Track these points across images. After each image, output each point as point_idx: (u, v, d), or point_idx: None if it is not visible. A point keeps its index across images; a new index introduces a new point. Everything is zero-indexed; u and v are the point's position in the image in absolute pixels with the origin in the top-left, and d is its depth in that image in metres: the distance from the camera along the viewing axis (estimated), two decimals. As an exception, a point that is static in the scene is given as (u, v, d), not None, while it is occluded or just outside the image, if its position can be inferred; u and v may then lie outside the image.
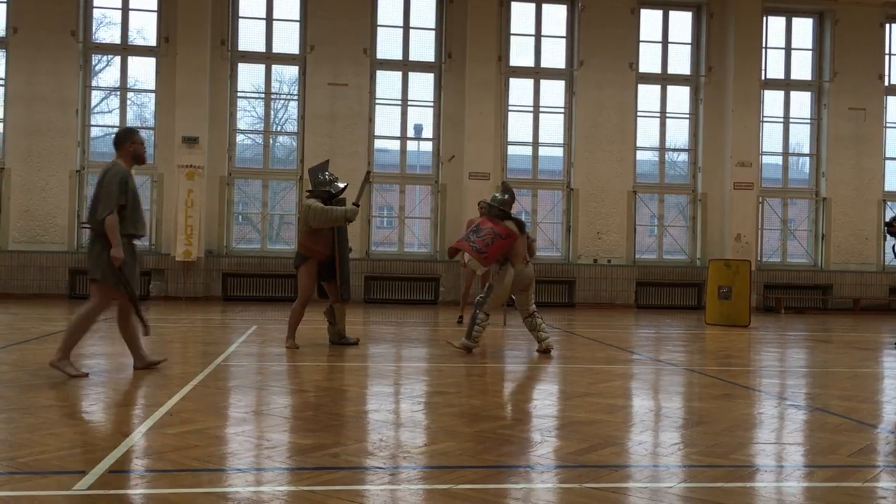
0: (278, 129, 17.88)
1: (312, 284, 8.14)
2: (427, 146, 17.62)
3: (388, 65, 17.13)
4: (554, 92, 17.60)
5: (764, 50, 17.79)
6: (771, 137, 18.17)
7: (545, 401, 5.73)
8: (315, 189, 8.23)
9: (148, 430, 4.29)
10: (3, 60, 16.13)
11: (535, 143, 17.51)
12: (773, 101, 18.14)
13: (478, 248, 7.94)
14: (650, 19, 17.79)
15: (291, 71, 17.16)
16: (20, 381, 5.81)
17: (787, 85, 18.18)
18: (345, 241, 8.24)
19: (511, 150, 17.54)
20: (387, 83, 17.21)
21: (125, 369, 6.74)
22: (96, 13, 16.57)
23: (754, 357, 9.05)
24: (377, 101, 17.11)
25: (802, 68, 18.26)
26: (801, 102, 18.33)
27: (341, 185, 8.36)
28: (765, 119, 17.92)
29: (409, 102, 17.23)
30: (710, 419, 4.95)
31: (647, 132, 17.94)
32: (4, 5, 15.99)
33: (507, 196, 8.28)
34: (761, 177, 17.84)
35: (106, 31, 16.86)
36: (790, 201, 18.40)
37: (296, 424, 4.59)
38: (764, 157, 18.03)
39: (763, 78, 17.73)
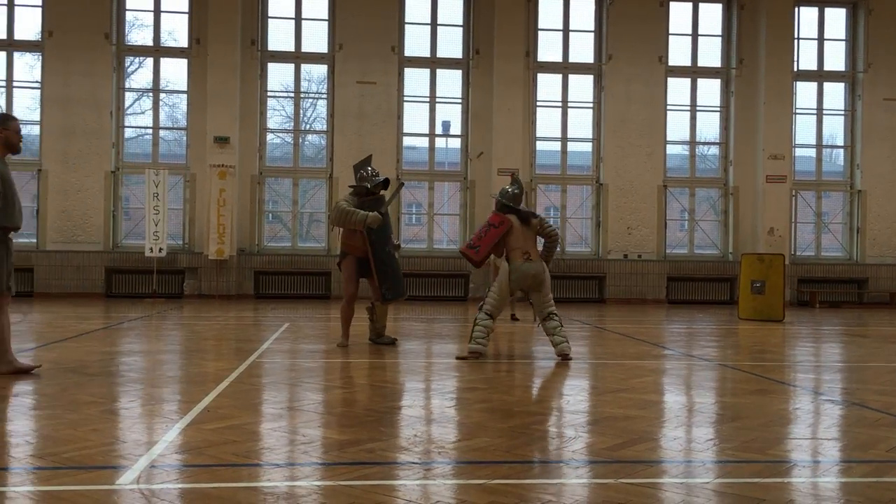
0: (307, 127, 18.01)
1: (352, 280, 8.05)
2: (455, 143, 17.64)
3: (416, 62, 17.17)
4: (582, 87, 17.52)
5: (796, 41, 17.55)
6: (804, 130, 17.93)
7: (577, 396, 5.73)
8: (357, 185, 8.10)
9: (186, 425, 4.36)
10: (39, 64, 16.42)
11: (564, 139, 17.45)
12: (805, 93, 17.90)
13: (471, 243, 7.55)
14: (679, 12, 17.64)
15: (320, 69, 17.27)
16: (61, 378, 5.93)
17: (820, 76, 17.93)
18: (380, 239, 7.93)
19: (539, 145, 17.50)
20: (415, 80, 17.25)
21: (161, 366, 6.85)
22: (129, 16, 16.80)
23: (789, 352, 8.97)
24: (405, 99, 17.16)
25: (836, 59, 18.00)
26: (835, 94, 18.07)
27: (380, 180, 8.09)
28: (797, 111, 17.69)
29: (438, 99, 17.26)
30: (745, 415, 4.92)
31: (677, 126, 17.79)
32: (39, 10, 16.26)
33: (514, 189, 7.63)
34: (794, 169, 17.63)
35: (138, 34, 17.10)
36: (824, 194, 18.15)
37: (330, 420, 4.64)
38: (797, 149, 17.81)
39: (795, 69, 17.51)
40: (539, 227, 7.45)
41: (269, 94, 17.04)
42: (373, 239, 7.86)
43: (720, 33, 17.75)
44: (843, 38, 17.99)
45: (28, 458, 3.68)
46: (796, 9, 17.50)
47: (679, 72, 17.63)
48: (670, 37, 17.56)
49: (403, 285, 8.33)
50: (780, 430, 4.58)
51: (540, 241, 7.60)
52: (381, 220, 7.78)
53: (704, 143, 18.44)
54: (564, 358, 7.23)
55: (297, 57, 17.04)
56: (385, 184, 8.15)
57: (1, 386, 5.69)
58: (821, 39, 17.94)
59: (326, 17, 16.90)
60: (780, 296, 12.56)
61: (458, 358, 7.34)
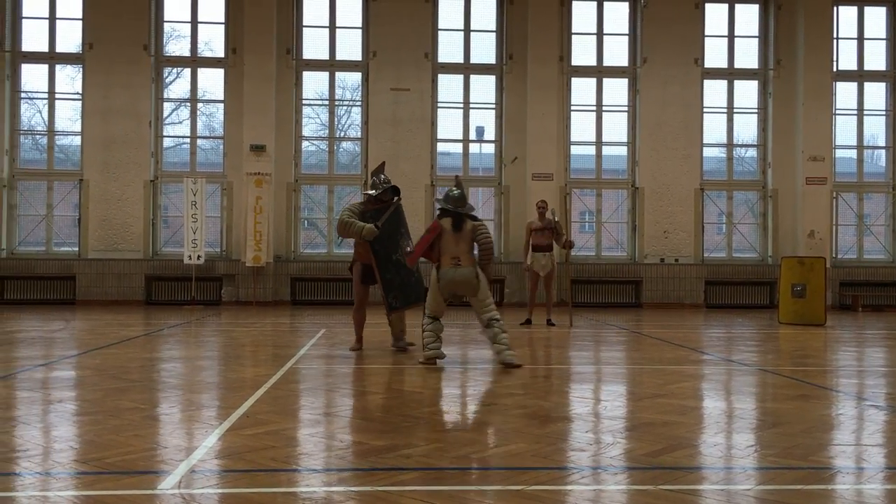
0: (342, 134, 18.14)
1: (359, 286, 8.18)
2: (489, 148, 17.64)
3: (450, 68, 17.21)
4: (617, 90, 17.42)
5: (835, 41, 17.28)
6: (844, 130, 17.63)
7: (615, 402, 5.69)
8: (374, 193, 8.13)
9: (225, 431, 4.41)
10: (80, 76, 16.75)
11: (599, 143, 17.36)
12: (845, 94, 17.60)
13: (411, 248, 7.48)
14: (715, 13, 17.47)
15: (354, 77, 17.39)
16: (103, 384, 6.03)
17: (860, 76, 17.62)
18: (384, 248, 7.92)
19: (574, 150, 17.42)
20: (448, 86, 17.29)
21: (201, 372, 6.94)
22: (167, 27, 17.08)
23: (831, 357, 8.81)
24: (439, 105, 17.21)
25: (876, 58, 17.67)
26: (876, 94, 17.74)
27: (386, 187, 8.06)
28: (837, 112, 17.40)
29: (471, 105, 17.28)
30: (786, 420, 4.84)
31: (713, 128, 17.60)
32: (80, 23, 16.60)
33: (456, 192, 7.39)
34: (835, 171, 17.34)
35: (176, 44, 17.37)
36: (866, 196, 17.82)
37: (367, 426, 4.66)
38: (837, 150, 17.51)
39: (835, 70, 17.23)
40: (473, 234, 7.28)
41: (304, 102, 17.20)
42: (376, 248, 7.87)
43: (757, 34, 17.54)
44: (884, 37, 17.66)
45: (72, 463, 3.74)
46: (835, 8, 17.23)
47: (715, 74, 17.45)
48: (706, 38, 17.39)
49: (418, 292, 8.14)
50: (823, 436, 4.50)
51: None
52: (375, 232, 7.74)
53: (742, 146, 18.22)
54: (508, 366, 7.01)
55: (332, 65, 17.18)
56: (394, 191, 8.15)
57: (45, 392, 5.81)
58: (860, 39, 17.63)
59: (360, 26, 17.02)
60: (821, 299, 12.35)
61: (420, 363, 7.34)
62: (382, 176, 8.19)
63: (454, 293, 7.35)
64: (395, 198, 8.18)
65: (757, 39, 17.54)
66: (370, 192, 8.13)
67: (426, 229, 7.54)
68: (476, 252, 7.38)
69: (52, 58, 16.78)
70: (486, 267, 7.37)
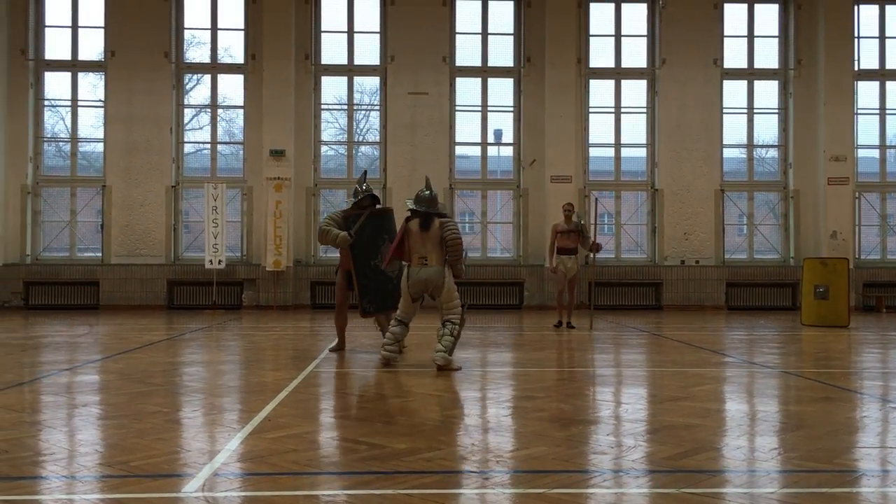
0: (361, 139, 18.20)
1: (340, 290, 8.48)
2: (508, 151, 17.63)
3: (468, 71, 17.22)
4: (635, 92, 17.36)
5: (856, 40, 17.12)
6: (866, 130, 17.45)
7: (636, 405, 5.67)
8: (354, 200, 8.56)
9: (247, 435, 4.44)
10: (103, 83, 16.93)
11: (618, 145, 17.30)
12: (867, 93, 17.43)
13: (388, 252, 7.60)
14: (734, 13, 17.36)
15: (373, 82, 17.45)
16: (127, 388, 6.09)
17: (882, 75, 17.44)
18: (363, 254, 8.15)
19: (593, 151, 17.37)
20: (466, 90, 17.30)
21: (222, 376, 6.99)
22: (187, 34, 17.22)
23: (855, 358, 8.72)
24: (457, 108, 17.22)
25: (899, 57, 17.49)
26: (899, 92, 17.55)
27: (364, 195, 8.40)
28: (859, 111, 17.24)
29: (489, 108, 17.28)
30: (810, 423, 4.81)
31: (733, 129, 17.48)
32: (102, 31, 16.78)
33: (426, 192, 7.43)
34: (857, 171, 17.17)
35: (196, 51, 17.51)
36: (889, 195, 17.63)
37: (389, 429, 4.67)
38: (859, 150, 17.34)
39: (856, 69, 17.07)
40: (440, 233, 7.25)
41: (322, 107, 17.27)
42: (355, 253, 8.15)
43: (777, 34, 17.41)
44: (907, 34, 17.48)
45: (97, 467, 3.79)
46: (855, 7, 17.07)
47: (735, 74, 17.34)
48: (725, 39, 17.29)
49: (395, 298, 8.06)
50: (848, 438, 4.46)
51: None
52: (349, 239, 8.01)
53: (762, 146, 18.09)
54: (438, 368, 7.04)
55: (350, 70, 17.25)
56: (373, 199, 8.45)
57: (70, 396, 5.87)
58: (882, 37, 17.45)
59: (378, 30, 17.08)
60: (844, 301, 12.24)
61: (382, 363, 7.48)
62: (364, 185, 8.54)
63: (422, 292, 7.37)
64: (376, 205, 8.47)
65: (777, 39, 17.41)
66: (353, 198, 8.57)
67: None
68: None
69: (74, 66, 16.98)
70: (454, 264, 7.35)
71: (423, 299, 7.56)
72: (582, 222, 11.58)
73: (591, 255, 12.08)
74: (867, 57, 17.38)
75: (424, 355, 8.25)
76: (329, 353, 8.49)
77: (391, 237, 8.19)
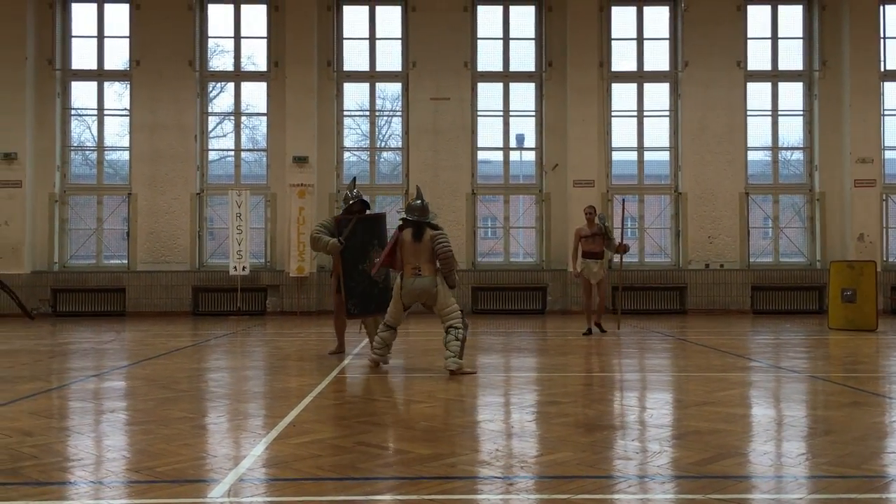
0: (383, 145, 18.26)
1: (336, 295, 8.67)
2: (530, 156, 17.61)
3: (489, 76, 17.23)
4: (658, 95, 17.27)
5: (882, 40, 16.93)
6: (893, 131, 17.23)
7: (661, 410, 5.63)
8: (344, 206, 8.76)
9: (272, 440, 4.46)
10: (128, 92, 17.13)
11: (640, 148, 17.22)
12: (894, 93, 17.21)
13: (380, 259, 7.68)
14: (758, 15, 17.23)
15: (395, 87, 17.51)
16: (153, 394, 6.15)
17: (910, 75, 17.23)
18: (352, 258, 8.35)
19: (615, 155, 17.30)
20: (488, 95, 17.31)
21: (247, 382, 7.03)
22: (211, 43, 17.39)
23: (883, 362, 8.60)
24: (479, 113, 17.23)
25: (926, 57, 17.26)
26: (926, 93, 17.31)
27: (354, 200, 8.63)
28: (886, 112, 17.03)
29: (511, 113, 17.27)
30: (838, 428, 4.75)
31: (757, 131, 17.35)
32: (127, 40, 16.98)
33: (417, 202, 7.52)
34: (884, 173, 16.95)
35: (220, 59, 17.67)
36: (917, 197, 17.39)
37: (412, 434, 4.67)
38: (886, 151, 17.12)
39: (882, 69, 16.88)
40: (431, 244, 7.30)
41: (345, 113, 17.36)
42: (345, 256, 8.38)
43: (801, 35, 17.25)
44: (934, 34, 17.25)
45: (124, 472, 3.82)
46: (881, 7, 16.88)
47: (759, 76, 17.20)
48: (749, 41, 17.16)
49: (379, 302, 8.25)
50: (876, 444, 4.40)
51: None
52: (339, 246, 8.23)
53: (788, 149, 17.92)
54: (451, 373, 7.05)
55: (372, 76, 17.33)
56: (363, 204, 8.68)
57: (98, 403, 5.94)
58: (909, 37, 17.24)
59: (400, 36, 17.14)
60: (872, 304, 12.08)
61: (367, 363, 7.71)
62: (355, 191, 8.77)
63: (415, 302, 7.47)
64: (366, 210, 8.72)
65: (801, 40, 17.25)
66: (343, 203, 8.83)
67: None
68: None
69: (100, 75, 17.19)
70: (447, 276, 7.36)
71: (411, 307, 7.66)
72: (606, 224, 11.41)
73: (619, 258, 11.95)
74: (893, 57, 17.17)
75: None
76: (329, 355, 8.72)
77: (381, 242, 8.37)
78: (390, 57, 17.25)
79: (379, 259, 7.69)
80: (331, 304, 16.19)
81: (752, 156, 17.34)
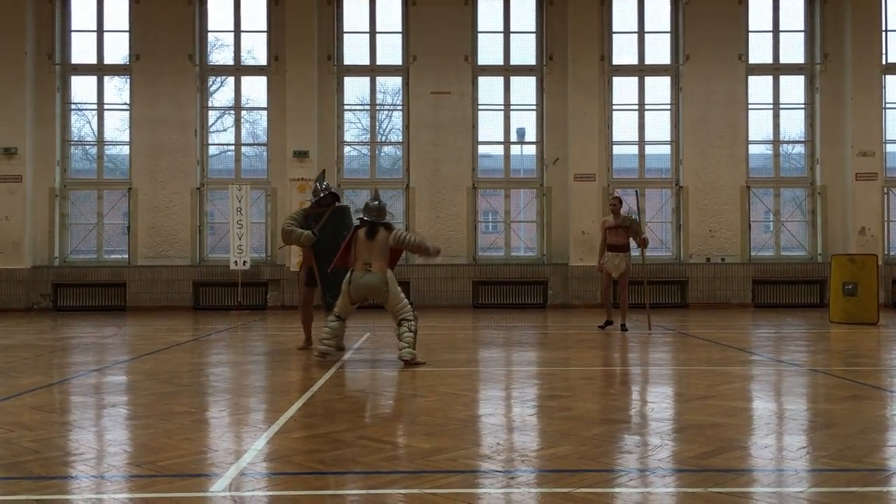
0: (383, 139, 18.24)
1: (304, 287, 8.83)
2: (530, 150, 17.59)
3: (490, 70, 17.20)
4: (659, 88, 17.24)
5: (884, 33, 16.88)
6: (895, 125, 17.19)
7: (662, 404, 5.63)
8: (314, 199, 8.76)
9: (273, 435, 4.46)
10: (128, 86, 17.11)
11: (641, 142, 17.19)
12: (895, 87, 17.16)
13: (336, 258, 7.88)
14: (759, 8, 17.19)
15: (395, 82, 17.48)
16: (154, 388, 6.15)
17: (912, 68, 17.19)
18: (325, 251, 8.43)
19: (616, 149, 17.27)
20: (489, 89, 17.28)
21: (248, 377, 7.03)
22: (210, 37, 17.35)
23: (884, 356, 8.60)
24: (480, 107, 17.20)
25: (928, 49, 17.21)
26: (928, 86, 17.27)
27: (325, 193, 8.67)
28: (887, 106, 16.99)
29: (512, 107, 17.25)
30: (839, 422, 4.75)
31: (759, 125, 17.31)
32: (127, 35, 16.95)
33: (374, 203, 7.81)
34: (885, 166, 16.93)
35: (220, 54, 17.65)
36: (919, 191, 17.36)
37: (413, 428, 4.68)
38: (888, 145, 17.09)
39: (884, 63, 16.84)
40: (393, 241, 7.58)
41: (345, 107, 17.33)
42: (318, 250, 8.45)
43: (803, 28, 17.21)
44: (936, 27, 17.20)
45: (125, 466, 3.83)
46: (883, 0, 16.83)
47: (760, 69, 17.17)
48: (750, 34, 17.12)
49: None
50: (877, 437, 4.40)
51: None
52: (312, 238, 8.34)
53: (789, 142, 17.91)
54: (405, 363, 7.34)
55: (373, 70, 17.30)
56: (333, 197, 8.71)
57: (99, 397, 5.94)
58: (911, 30, 17.20)
59: (400, 30, 17.10)
60: (873, 298, 12.07)
61: (315, 356, 7.85)
62: (325, 182, 8.80)
63: (364, 298, 7.71)
64: (335, 203, 8.73)
65: (802, 34, 17.21)
66: (313, 197, 8.77)
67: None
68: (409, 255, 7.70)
69: (100, 69, 17.16)
70: (425, 249, 7.60)
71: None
72: (634, 217, 11.15)
73: (641, 252, 11.27)
74: (895, 50, 17.12)
75: (447, 356, 8.26)
76: (298, 351, 8.75)
77: (338, 233, 8.49)
78: (391, 51, 17.22)
79: (336, 258, 7.86)
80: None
81: (753, 149, 17.32)
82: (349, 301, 7.71)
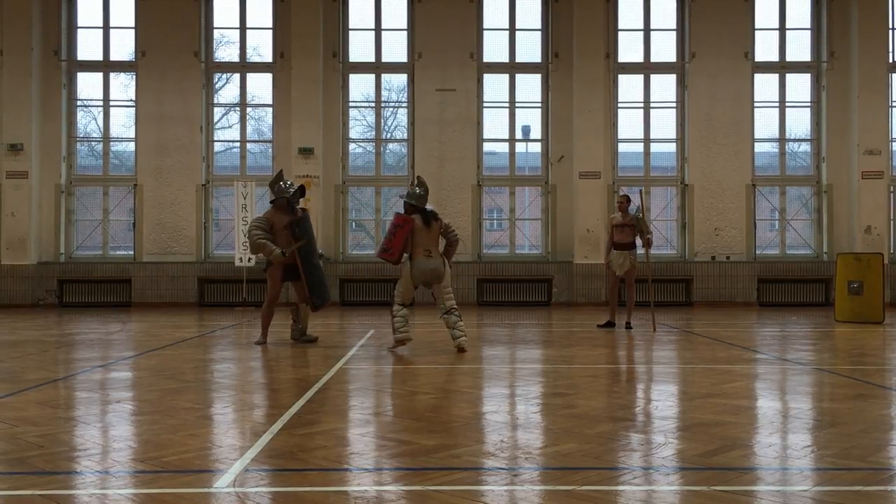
0: (388, 136, 18.24)
1: (277, 285, 8.83)
2: (536, 147, 17.57)
3: (495, 68, 17.18)
4: (665, 86, 17.21)
5: (891, 31, 16.82)
6: (902, 123, 17.15)
7: (666, 402, 5.62)
8: (277, 198, 8.78)
9: (278, 431, 4.47)
10: (133, 83, 17.14)
11: (647, 140, 17.17)
12: (902, 85, 17.12)
13: (384, 247, 8.12)
14: (765, 6, 17.14)
15: (400, 79, 17.47)
16: (159, 385, 6.17)
17: (919, 66, 17.13)
18: (310, 251, 8.67)
19: (622, 147, 17.26)
20: (494, 86, 17.27)
21: (253, 373, 7.05)
22: (216, 34, 17.37)
23: (890, 355, 8.58)
24: (485, 105, 17.19)
25: (935, 48, 17.14)
26: (935, 84, 17.21)
27: (293, 189, 8.84)
28: (894, 104, 16.93)
29: (517, 104, 17.23)
30: (843, 420, 4.74)
31: (765, 123, 17.27)
32: (133, 31, 16.98)
33: (420, 190, 8.23)
34: (892, 165, 16.88)
35: (225, 51, 17.66)
36: (925, 189, 17.31)
37: (417, 425, 4.68)
38: (894, 143, 17.04)
39: (891, 61, 16.78)
40: (443, 230, 8.19)
41: (350, 104, 17.33)
42: (303, 253, 8.61)
43: (809, 26, 17.16)
44: (943, 25, 17.14)
45: (130, 462, 3.84)
46: (890, -3, 16.80)
47: (766, 67, 17.12)
48: (756, 32, 17.08)
49: (327, 292, 9.24)
50: (882, 436, 4.39)
51: (443, 242, 8.34)
52: (282, 258, 8.46)
53: (795, 140, 17.85)
54: (460, 350, 7.93)
55: (378, 67, 17.29)
56: (301, 191, 8.89)
57: (104, 393, 5.96)
58: (918, 28, 17.14)
59: (405, 27, 17.10)
60: (879, 297, 12.04)
61: (389, 349, 8.22)
62: (289, 182, 8.94)
63: (425, 282, 8.08)
64: (300, 203, 9.06)
65: (809, 31, 17.16)
66: (283, 195, 8.77)
67: (394, 224, 8.14)
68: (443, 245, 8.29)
69: (106, 66, 17.19)
70: (449, 258, 8.30)
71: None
72: (640, 215, 10.98)
73: (646, 251, 11.01)
74: (902, 48, 17.07)
75: (451, 353, 8.25)
76: (255, 345, 8.89)
77: (310, 234, 8.80)
78: (396, 48, 17.21)
79: (393, 245, 8.02)
80: (335, 295, 16.28)
81: (759, 147, 17.29)
82: (412, 287, 8.08)
